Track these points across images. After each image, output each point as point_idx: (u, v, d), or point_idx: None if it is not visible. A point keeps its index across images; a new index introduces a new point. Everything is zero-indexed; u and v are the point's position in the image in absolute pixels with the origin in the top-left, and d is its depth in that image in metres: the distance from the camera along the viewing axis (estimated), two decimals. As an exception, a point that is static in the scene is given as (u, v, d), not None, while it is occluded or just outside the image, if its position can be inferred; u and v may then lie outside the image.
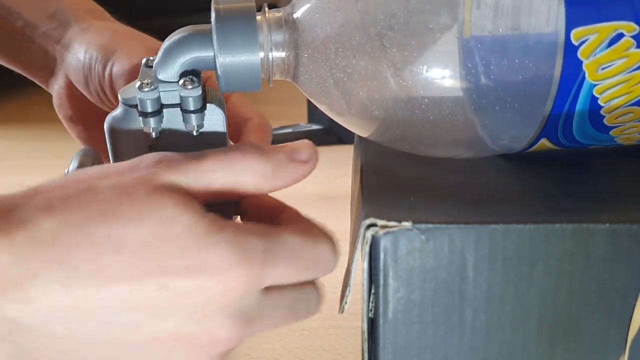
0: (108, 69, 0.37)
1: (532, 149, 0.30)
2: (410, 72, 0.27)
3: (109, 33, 0.38)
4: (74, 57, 0.38)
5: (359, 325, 0.27)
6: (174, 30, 0.29)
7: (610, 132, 0.28)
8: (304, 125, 0.99)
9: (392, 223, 0.25)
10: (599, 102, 0.27)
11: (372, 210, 0.26)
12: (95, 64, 0.37)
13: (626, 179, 0.30)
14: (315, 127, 0.97)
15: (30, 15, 0.41)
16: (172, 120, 0.29)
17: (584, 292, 0.26)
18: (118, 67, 0.36)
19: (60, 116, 0.42)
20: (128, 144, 0.29)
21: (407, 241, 0.25)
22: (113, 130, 0.29)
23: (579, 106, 0.27)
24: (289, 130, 0.97)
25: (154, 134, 0.29)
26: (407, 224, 0.25)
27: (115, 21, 0.41)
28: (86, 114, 0.41)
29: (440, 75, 0.27)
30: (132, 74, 0.36)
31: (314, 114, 0.99)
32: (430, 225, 0.25)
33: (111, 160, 0.30)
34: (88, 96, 0.39)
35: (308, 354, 0.46)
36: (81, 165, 0.30)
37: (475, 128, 0.28)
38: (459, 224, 0.25)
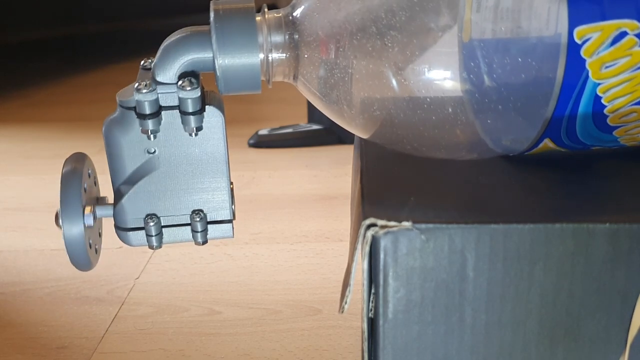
0: None
1: (535, 150, 0.30)
2: (412, 72, 0.27)
3: None
4: None
5: (359, 325, 0.27)
6: (173, 31, 0.29)
7: (614, 132, 0.28)
8: (304, 125, 0.99)
9: (392, 223, 0.25)
10: (602, 101, 0.27)
11: (372, 210, 0.26)
12: None
13: (627, 180, 0.30)
14: (315, 127, 0.97)
15: None
16: (171, 122, 0.29)
17: (584, 292, 0.26)
18: None
19: None
20: (125, 147, 0.29)
21: (407, 241, 0.25)
22: (110, 133, 0.29)
23: (582, 106, 0.27)
24: (289, 130, 0.97)
25: (152, 136, 0.29)
26: (407, 224, 0.25)
27: None
28: None
29: (442, 76, 0.27)
30: None
31: (314, 114, 0.99)
32: (431, 225, 0.25)
33: (108, 163, 0.30)
34: None
35: (308, 354, 0.46)
36: (73, 170, 0.30)
37: (477, 129, 0.28)
38: (459, 224, 0.25)
